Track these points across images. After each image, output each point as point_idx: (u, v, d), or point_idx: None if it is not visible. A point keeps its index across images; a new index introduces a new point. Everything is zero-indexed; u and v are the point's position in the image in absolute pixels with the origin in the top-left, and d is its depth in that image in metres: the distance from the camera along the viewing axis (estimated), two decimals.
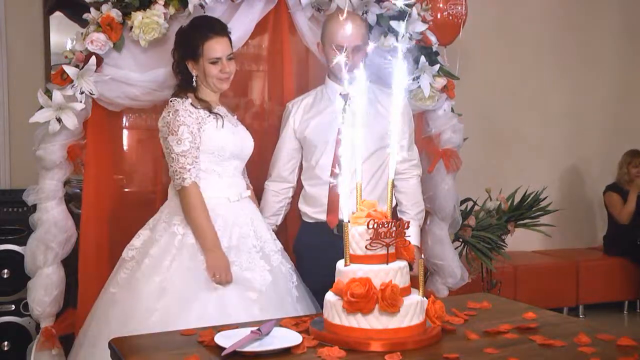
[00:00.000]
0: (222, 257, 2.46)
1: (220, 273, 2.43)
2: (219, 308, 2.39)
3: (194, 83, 2.59)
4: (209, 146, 2.53)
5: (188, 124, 2.49)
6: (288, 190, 2.91)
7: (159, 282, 2.44)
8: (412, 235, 2.80)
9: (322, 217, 2.76)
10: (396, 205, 2.90)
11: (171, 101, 2.55)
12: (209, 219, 2.49)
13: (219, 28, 2.57)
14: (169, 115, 2.51)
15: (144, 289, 2.45)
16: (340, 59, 2.68)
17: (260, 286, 2.48)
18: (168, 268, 2.46)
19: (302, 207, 2.85)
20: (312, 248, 2.77)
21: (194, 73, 2.58)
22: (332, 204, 2.72)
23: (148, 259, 2.50)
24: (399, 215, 2.89)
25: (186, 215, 2.51)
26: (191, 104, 2.54)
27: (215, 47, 2.54)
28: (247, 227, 2.60)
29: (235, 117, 2.76)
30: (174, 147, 2.48)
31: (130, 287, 2.48)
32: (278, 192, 2.89)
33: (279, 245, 2.69)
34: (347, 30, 2.66)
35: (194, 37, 2.55)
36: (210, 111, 2.57)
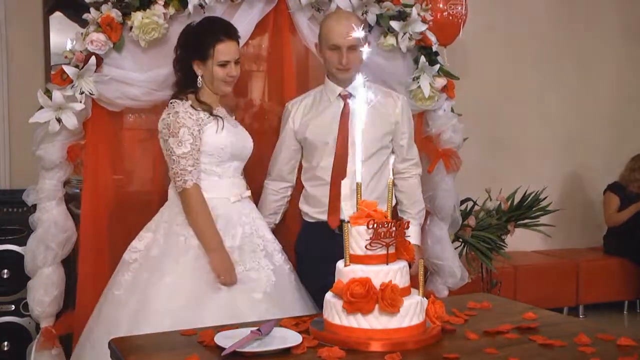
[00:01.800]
0: (225, 258, 2.47)
1: (225, 274, 2.44)
2: (229, 309, 2.39)
3: (198, 84, 2.59)
4: (209, 148, 2.53)
5: (189, 125, 2.48)
6: (287, 190, 2.92)
7: (168, 284, 2.43)
8: (413, 234, 2.81)
9: (323, 217, 2.76)
10: (396, 204, 2.90)
11: (171, 102, 2.55)
12: (211, 220, 2.50)
13: (231, 32, 2.59)
14: (169, 117, 2.50)
15: (151, 291, 2.43)
16: (336, 58, 2.69)
17: (265, 286, 2.50)
18: (175, 270, 2.45)
19: (303, 207, 2.85)
20: (313, 248, 2.77)
21: (199, 73, 2.58)
22: (334, 205, 2.72)
23: (153, 260, 2.50)
24: (400, 215, 2.89)
25: (188, 217, 2.51)
26: (191, 105, 2.53)
27: (226, 51, 2.54)
28: (249, 227, 2.61)
29: (234, 117, 2.76)
30: (174, 149, 2.47)
31: (137, 289, 2.47)
32: (277, 191, 2.90)
33: (279, 245, 2.70)
34: (343, 29, 2.66)
35: (206, 37, 2.55)
36: (211, 113, 2.56)
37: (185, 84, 2.60)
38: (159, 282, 2.44)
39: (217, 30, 2.56)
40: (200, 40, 2.56)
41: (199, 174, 2.51)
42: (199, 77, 2.58)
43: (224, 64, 2.55)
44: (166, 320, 2.33)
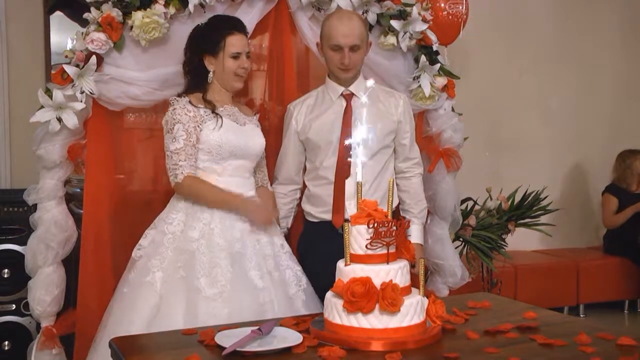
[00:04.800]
0: (250, 204, 2.54)
1: (257, 218, 2.52)
2: (210, 310, 2.36)
3: (209, 79, 2.61)
4: (207, 145, 2.54)
5: (184, 122, 2.51)
6: (296, 192, 2.91)
7: (150, 281, 2.45)
8: (415, 234, 2.82)
9: (327, 216, 2.75)
10: (398, 204, 2.90)
11: (171, 100, 2.57)
12: (218, 189, 2.52)
13: (240, 26, 2.64)
14: (168, 114, 2.55)
15: (142, 289, 2.45)
16: (338, 58, 2.69)
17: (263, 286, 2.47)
18: (159, 268, 2.46)
19: (306, 206, 2.85)
20: (316, 247, 2.76)
21: (210, 69, 2.61)
22: (338, 204, 2.71)
23: (146, 257, 2.51)
24: (402, 214, 2.89)
25: (199, 203, 2.53)
26: (189, 102, 2.54)
27: (237, 43, 2.58)
28: (240, 227, 2.55)
29: (255, 116, 2.75)
30: (169, 145, 2.52)
31: (137, 286, 2.48)
32: (286, 194, 2.88)
33: (281, 248, 2.64)
34: (345, 29, 2.65)
35: (216, 31, 2.59)
36: (213, 110, 2.57)
37: (194, 85, 2.62)
38: (144, 279, 2.46)
39: (227, 24, 2.61)
40: (211, 35, 2.60)
41: (191, 167, 2.52)
42: (210, 72, 2.61)
43: (236, 56, 2.58)
44: (144, 312, 2.39)
